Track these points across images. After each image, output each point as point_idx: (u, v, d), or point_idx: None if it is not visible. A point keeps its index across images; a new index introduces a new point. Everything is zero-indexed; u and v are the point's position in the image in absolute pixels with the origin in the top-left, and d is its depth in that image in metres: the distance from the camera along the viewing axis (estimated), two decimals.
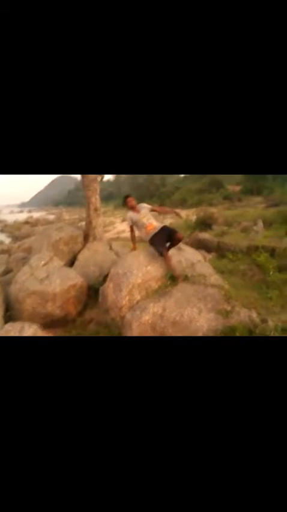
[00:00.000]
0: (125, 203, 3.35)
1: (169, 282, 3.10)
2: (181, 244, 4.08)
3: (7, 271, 5.77)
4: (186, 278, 3.20)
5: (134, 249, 3.49)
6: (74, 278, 3.41)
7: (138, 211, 3.26)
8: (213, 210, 18.66)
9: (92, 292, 3.78)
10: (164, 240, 3.12)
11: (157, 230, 3.12)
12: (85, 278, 3.76)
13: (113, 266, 3.26)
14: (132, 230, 3.43)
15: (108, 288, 3.01)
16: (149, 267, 3.07)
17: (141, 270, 3.00)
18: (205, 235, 5.98)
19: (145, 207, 3.35)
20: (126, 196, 3.38)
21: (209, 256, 4.56)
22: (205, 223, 13.64)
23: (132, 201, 3.31)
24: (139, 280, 2.92)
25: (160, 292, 2.95)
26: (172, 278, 3.15)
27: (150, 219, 3.24)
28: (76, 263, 4.32)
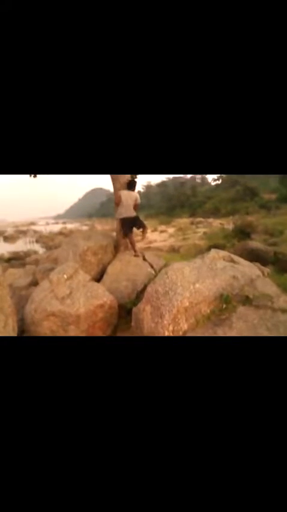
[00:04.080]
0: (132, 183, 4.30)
1: (224, 306, 2.33)
2: (233, 256, 3.30)
3: (34, 283, 5.43)
4: (248, 300, 2.40)
5: (136, 255, 4.21)
6: (102, 296, 2.78)
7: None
8: (251, 218, 17.45)
9: (123, 313, 3.13)
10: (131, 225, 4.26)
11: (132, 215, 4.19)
12: (116, 295, 3.12)
13: (150, 283, 2.57)
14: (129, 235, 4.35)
15: (145, 312, 2.32)
16: (197, 285, 2.32)
17: (188, 288, 2.27)
18: (258, 244, 5.03)
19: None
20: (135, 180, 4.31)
21: (267, 270, 3.69)
22: (243, 232, 12.73)
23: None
24: (186, 303, 2.18)
25: (215, 320, 2.19)
26: (227, 300, 2.39)
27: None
28: (105, 277, 3.72)
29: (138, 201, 4.34)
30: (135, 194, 4.29)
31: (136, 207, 4.29)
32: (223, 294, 2.37)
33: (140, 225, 4.35)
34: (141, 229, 4.44)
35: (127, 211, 4.16)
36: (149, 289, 2.41)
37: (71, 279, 2.80)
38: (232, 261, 3.14)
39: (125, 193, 4.19)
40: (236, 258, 3.25)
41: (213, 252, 3.15)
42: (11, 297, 2.52)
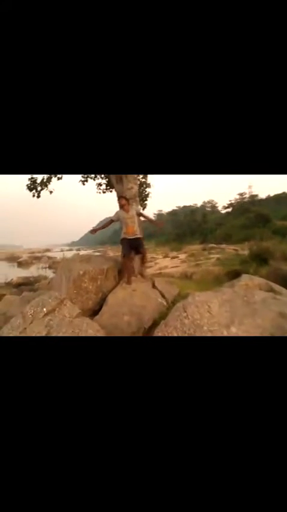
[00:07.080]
0: (119, 201, 3.68)
1: None
2: (272, 284, 2.49)
3: None
4: None
5: (129, 282, 3.45)
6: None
7: (127, 211, 3.51)
8: (267, 244, 16.65)
9: None
10: (132, 247, 3.57)
11: (132, 237, 3.54)
12: (114, 334, 2.33)
13: (160, 324, 1.78)
14: (128, 260, 3.56)
15: None
16: (233, 329, 1.52)
17: (219, 333, 1.47)
18: None
19: (134, 209, 3.61)
20: (120, 197, 3.65)
21: None
22: (260, 258, 11.91)
23: (123, 200, 3.54)
24: None
25: None
26: None
27: (133, 223, 3.52)
28: (104, 309, 2.96)
29: (140, 210, 3.77)
30: (132, 210, 3.63)
31: (139, 221, 3.64)
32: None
33: (139, 250, 3.69)
34: (139, 256, 3.82)
35: (126, 230, 3.59)
36: (159, 333, 1.62)
37: (53, 314, 2.06)
38: (272, 290, 2.33)
39: (120, 211, 3.66)
40: (276, 286, 2.44)
41: (245, 278, 2.36)
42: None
